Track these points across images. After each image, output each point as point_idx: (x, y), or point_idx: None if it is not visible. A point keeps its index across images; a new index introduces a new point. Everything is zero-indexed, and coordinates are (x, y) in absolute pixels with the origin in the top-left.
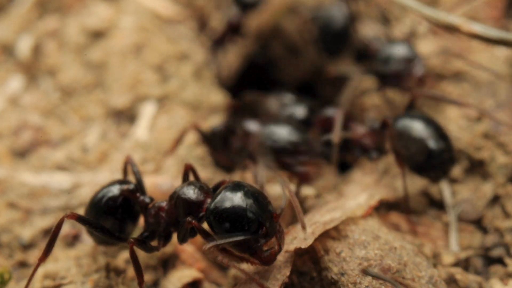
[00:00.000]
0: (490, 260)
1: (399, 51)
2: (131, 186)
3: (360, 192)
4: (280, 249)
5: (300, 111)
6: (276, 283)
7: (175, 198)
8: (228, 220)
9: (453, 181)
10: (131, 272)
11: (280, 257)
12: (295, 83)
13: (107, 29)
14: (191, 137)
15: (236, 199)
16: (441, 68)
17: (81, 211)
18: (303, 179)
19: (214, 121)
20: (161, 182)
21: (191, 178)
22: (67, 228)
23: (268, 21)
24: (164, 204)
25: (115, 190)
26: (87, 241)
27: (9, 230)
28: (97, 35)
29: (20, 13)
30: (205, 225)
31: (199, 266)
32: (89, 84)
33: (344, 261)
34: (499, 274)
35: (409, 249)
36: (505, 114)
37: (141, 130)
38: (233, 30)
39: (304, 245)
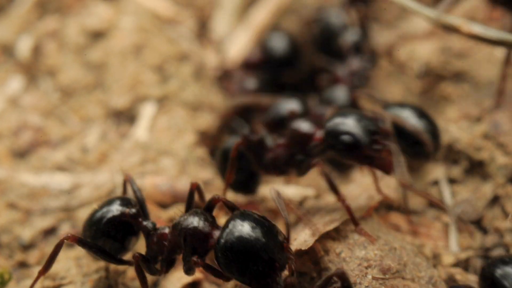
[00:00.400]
0: None
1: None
2: (133, 211)
3: (360, 192)
4: (292, 274)
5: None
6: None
7: (179, 230)
8: (240, 260)
9: (452, 181)
10: (130, 272)
11: None
12: (295, 83)
13: (107, 29)
14: (191, 137)
15: (246, 236)
16: (441, 68)
17: (81, 212)
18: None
19: (213, 122)
20: (160, 183)
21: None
22: (67, 229)
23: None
24: (167, 231)
25: (115, 211)
26: None
27: (9, 230)
28: (97, 35)
29: (20, 14)
30: None
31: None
32: (89, 85)
33: (344, 262)
34: None
35: (409, 250)
36: (505, 115)
37: (141, 130)
38: (248, 67)
39: (304, 246)
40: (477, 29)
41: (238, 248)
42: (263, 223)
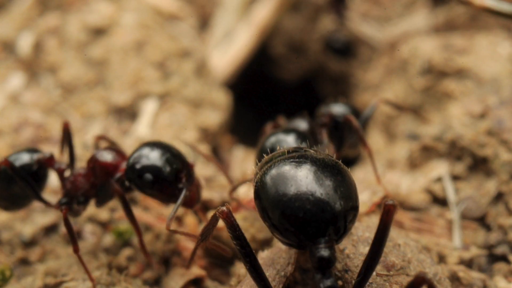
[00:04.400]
0: (494, 258)
1: None
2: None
3: (363, 189)
4: (198, 197)
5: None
6: (280, 280)
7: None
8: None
9: (456, 178)
10: (133, 269)
11: (284, 254)
12: (296, 81)
13: (108, 26)
14: (193, 134)
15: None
16: (444, 65)
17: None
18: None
19: (215, 119)
20: None
21: None
22: None
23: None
24: (82, 171)
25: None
26: (88, 238)
27: (10, 227)
28: (98, 32)
29: (21, 10)
30: None
31: (201, 264)
32: (90, 81)
33: (347, 258)
34: (503, 272)
35: (413, 246)
36: (508, 111)
37: (142, 127)
38: None
39: None
40: (489, 2)
41: (145, 162)
42: (170, 146)
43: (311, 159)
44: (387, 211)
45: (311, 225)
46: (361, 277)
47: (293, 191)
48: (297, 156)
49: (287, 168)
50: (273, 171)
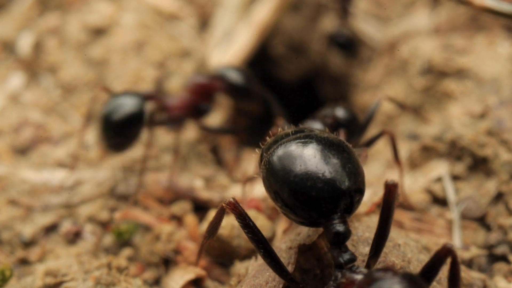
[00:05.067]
0: (494, 258)
1: None
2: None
3: None
4: None
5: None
6: (280, 280)
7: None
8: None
9: (456, 178)
10: (132, 269)
11: (284, 254)
12: (296, 81)
13: (108, 26)
14: (192, 134)
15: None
16: (444, 65)
17: (82, 209)
18: None
19: (215, 118)
20: (162, 179)
21: None
22: (68, 225)
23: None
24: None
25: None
26: (88, 238)
27: (10, 227)
28: (98, 32)
29: (21, 10)
30: None
31: (201, 264)
32: (90, 81)
33: None
34: (503, 272)
35: (413, 246)
36: (508, 111)
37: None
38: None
39: (308, 241)
40: (489, 2)
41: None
42: None
43: (317, 138)
44: (389, 191)
45: (324, 202)
46: (372, 254)
47: (303, 171)
48: (303, 136)
49: (295, 148)
50: (281, 152)
